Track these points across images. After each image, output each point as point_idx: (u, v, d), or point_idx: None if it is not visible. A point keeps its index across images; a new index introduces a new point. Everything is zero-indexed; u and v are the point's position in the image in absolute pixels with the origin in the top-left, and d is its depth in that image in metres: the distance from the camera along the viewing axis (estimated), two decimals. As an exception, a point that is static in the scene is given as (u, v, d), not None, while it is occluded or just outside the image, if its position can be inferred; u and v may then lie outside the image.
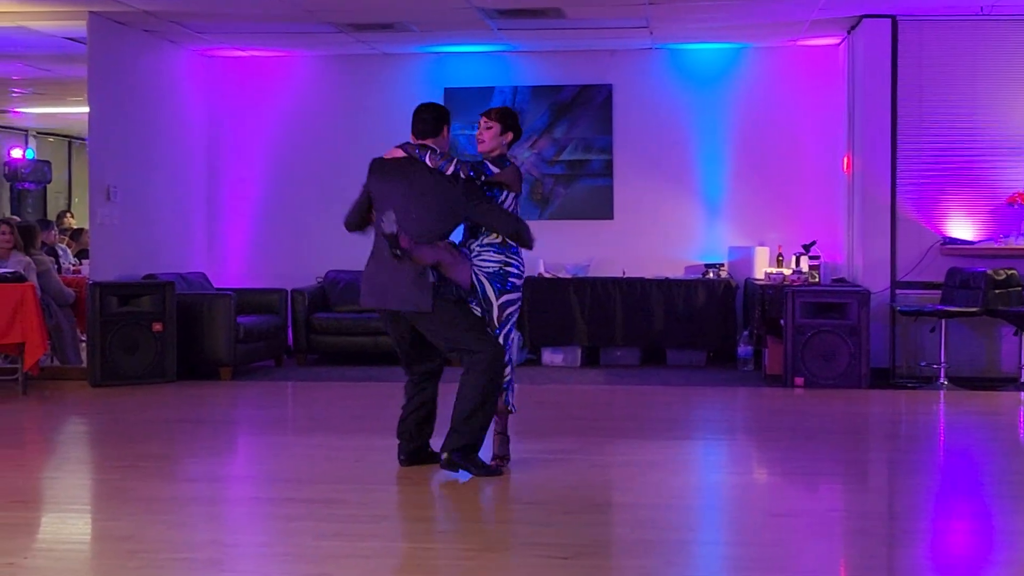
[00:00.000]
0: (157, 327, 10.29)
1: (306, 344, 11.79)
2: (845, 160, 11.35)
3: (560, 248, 12.14)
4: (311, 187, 12.59)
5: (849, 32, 11.25)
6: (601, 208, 12.38)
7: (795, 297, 10.09)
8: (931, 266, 10.59)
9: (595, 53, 12.37)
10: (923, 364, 10.48)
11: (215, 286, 11.88)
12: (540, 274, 11.81)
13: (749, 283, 11.57)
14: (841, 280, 11.23)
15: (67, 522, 5.88)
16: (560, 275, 11.86)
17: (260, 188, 12.76)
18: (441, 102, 12.39)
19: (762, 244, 11.95)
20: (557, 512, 5.77)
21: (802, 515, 5.87)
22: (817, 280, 10.92)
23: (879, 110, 10.68)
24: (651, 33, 11.41)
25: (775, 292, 10.56)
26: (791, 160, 12.15)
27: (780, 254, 11.72)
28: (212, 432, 8.42)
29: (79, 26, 10.58)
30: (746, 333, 11.15)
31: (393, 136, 7.26)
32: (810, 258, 11.13)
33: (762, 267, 11.61)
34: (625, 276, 11.86)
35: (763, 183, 12.19)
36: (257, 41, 12.05)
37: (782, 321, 10.23)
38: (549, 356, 11.73)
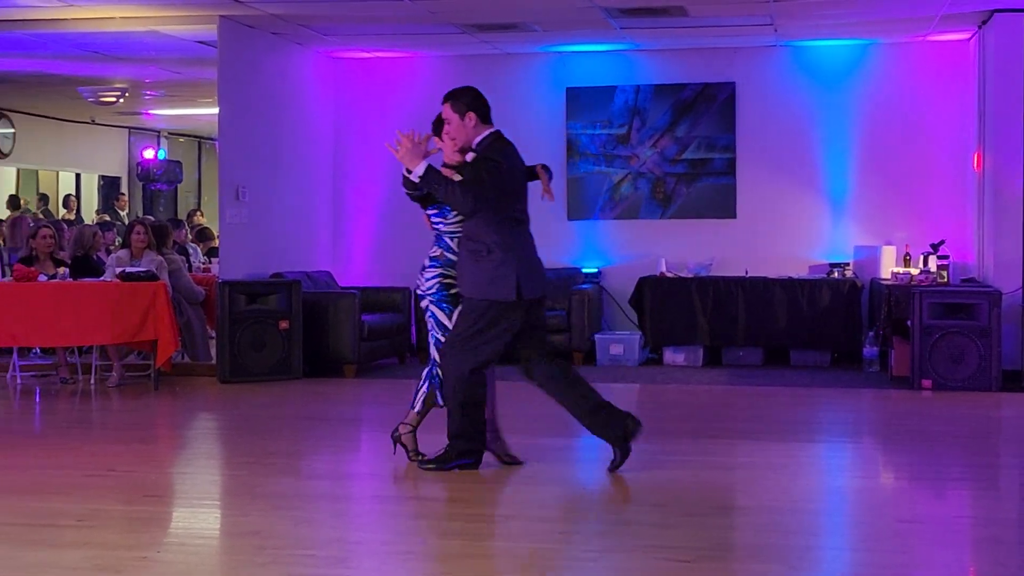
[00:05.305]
0: (284, 325, 10.49)
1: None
2: (976, 157, 11.11)
3: (682, 247, 12.06)
4: (434, 186, 12.67)
5: (980, 27, 11.00)
6: (724, 207, 12.28)
7: (923, 297, 9.90)
8: (1065, 267, 10.33)
9: (718, 51, 12.27)
10: (1056, 367, 10.22)
11: (340, 285, 12.06)
12: (662, 273, 11.75)
13: (875, 283, 11.38)
14: (971, 280, 10.99)
15: (197, 517, 6.02)
16: (682, 274, 11.78)
17: (384, 188, 12.88)
18: (563, 102, 12.49)
19: (889, 243, 11.73)
20: (679, 514, 5.75)
21: (929, 521, 5.77)
22: (946, 280, 10.70)
23: (1011, 106, 10.43)
24: (775, 30, 11.29)
25: (902, 292, 10.38)
26: (919, 158, 11.93)
27: (907, 253, 11.50)
28: (337, 429, 8.55)
29: (210, 30, 10.83)
30: (872, 334, 10.96)
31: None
32: (939, 258, 10.91)
33: (889, 267, 11.40)
34: (748, 275, 11.76)
35: (890, 181, 11.99)
36: (382, 43, 12.20)
37: (909, 322, 10.05)
38: (670, 355, 11.67)
